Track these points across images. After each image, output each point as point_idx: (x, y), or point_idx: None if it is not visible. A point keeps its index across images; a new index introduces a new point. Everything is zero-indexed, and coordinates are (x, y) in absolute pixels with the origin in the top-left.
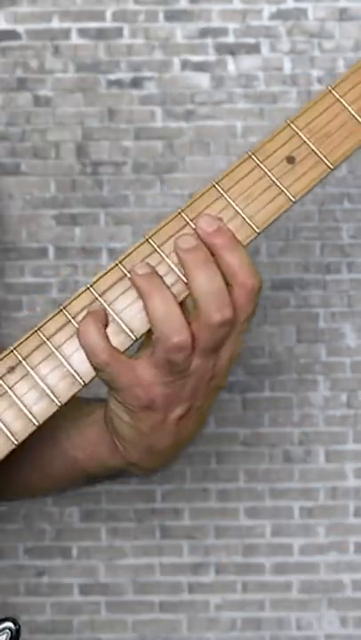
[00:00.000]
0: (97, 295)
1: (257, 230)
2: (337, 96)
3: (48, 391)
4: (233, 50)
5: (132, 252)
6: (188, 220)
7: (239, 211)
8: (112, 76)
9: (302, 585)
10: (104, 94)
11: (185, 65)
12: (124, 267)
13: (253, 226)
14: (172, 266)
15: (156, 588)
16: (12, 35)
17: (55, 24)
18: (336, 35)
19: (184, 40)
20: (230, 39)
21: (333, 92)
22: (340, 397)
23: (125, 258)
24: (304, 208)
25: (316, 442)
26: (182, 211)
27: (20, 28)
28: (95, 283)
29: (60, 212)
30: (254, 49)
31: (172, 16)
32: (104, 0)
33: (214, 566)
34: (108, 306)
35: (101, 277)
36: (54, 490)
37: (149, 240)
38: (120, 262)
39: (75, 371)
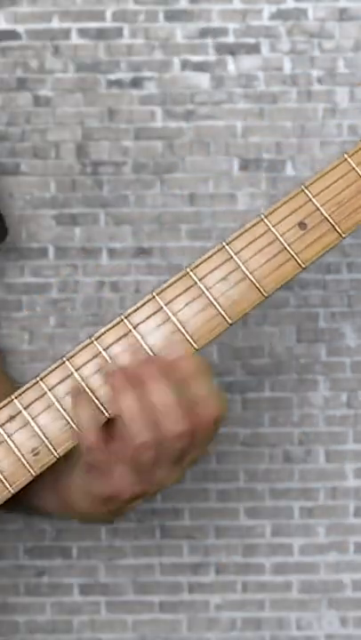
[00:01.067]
0: (102, 349)
1: (265, 295)
2: (353, 164)
3: (47, 442)
4: (233, 50)
5: (140, 308)
6: (196, 279)
7: (248, 274)
8: (112, 76)
9: (302, 585)
10: (104, 94)
11: (185, 65)
12: (131, 322)
13: (262, 290)
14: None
15: (156, 587)
16: (12, 35)
17: (55, 24)
18: (336, 35)
19: (184, 40)
20: (230, 39)
21: (349, 159)
22: (341, 397)
23: (133, 312)
24: None
25: (316, 442)
26: (192, 270)
27: (20, 28)
28: (100, 335)
29: (60, 212)
30: (254, 49)
31: (172, 16)
32: (104, 0)
33: (214, 566)
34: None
35: (107, 330)
36: (57, 516)
37: (156, 297)
38: (126, 317)
39: (75, 423)
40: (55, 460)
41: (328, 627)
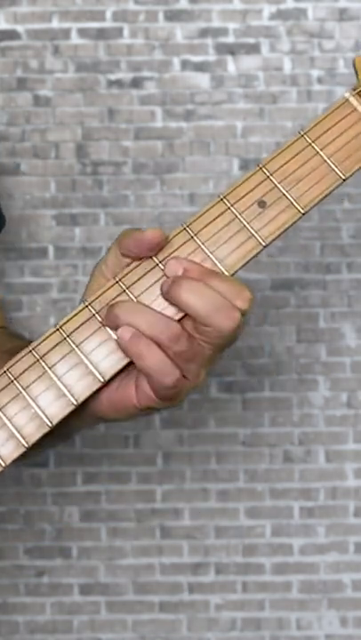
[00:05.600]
0: (65, 336)
1: (226, 274)
2: (309, 140)
3: (40, 412)
4: (233, 50)
5: (102, 294)
6: (157, 261)
7: (209, 254)
8: (112, 76)
9: (302, 585)
10: (104, 94)
11: (185, 65)
12: (94, 308)
13: (223, 269)
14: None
15: (156, 587)
16: (12, 35)
17: (55, 24)
18: (336, 35)
19: (184, 40)
20: (230, 39)
21: (305, 136)
22: (341, 397)
23: (95, 299)
24: None
25: (316, 442)
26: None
27: (20, 28)
28: (64, 324)
29: (60, 211)
30: (254, 49)
31: (172, 16)
32: (104, 0)
33: (214, 566)
34: (77, 347)
35: (71, 319)
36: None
37: (119, 282)
38: (90, 304)
39: (69, 391)
40: (48, 429)
41: (328, 627)
